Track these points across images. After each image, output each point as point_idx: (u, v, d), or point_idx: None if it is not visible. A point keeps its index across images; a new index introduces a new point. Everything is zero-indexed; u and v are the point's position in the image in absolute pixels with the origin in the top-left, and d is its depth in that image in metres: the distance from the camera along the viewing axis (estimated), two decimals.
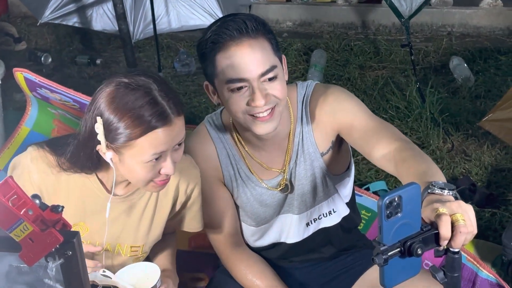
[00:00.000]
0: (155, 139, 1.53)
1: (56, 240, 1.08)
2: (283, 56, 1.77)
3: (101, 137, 1.54)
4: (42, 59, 5.12)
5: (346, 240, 2.09)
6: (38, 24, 4.58)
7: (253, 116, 1.69)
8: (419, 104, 4.19)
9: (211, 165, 1.90)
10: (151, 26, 4.88)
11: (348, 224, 2.06)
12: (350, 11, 5.96)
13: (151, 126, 1.52)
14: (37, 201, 1.12)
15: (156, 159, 1.57)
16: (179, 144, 1.62)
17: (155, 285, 1.68)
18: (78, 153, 1.64)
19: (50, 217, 1.11)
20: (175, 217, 1.92)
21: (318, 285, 2.06)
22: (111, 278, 1.65)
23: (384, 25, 5.87)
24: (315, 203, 1.95)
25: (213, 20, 5.65)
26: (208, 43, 1.68)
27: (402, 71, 4.93)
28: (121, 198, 1.77)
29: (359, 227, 2.22)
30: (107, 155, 1.57)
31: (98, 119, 1.53)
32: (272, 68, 1.67)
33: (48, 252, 1.09)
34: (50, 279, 1.11)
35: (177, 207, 1.88)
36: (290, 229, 1.99)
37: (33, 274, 1.14)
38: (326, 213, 1.98)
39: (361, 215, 2.32)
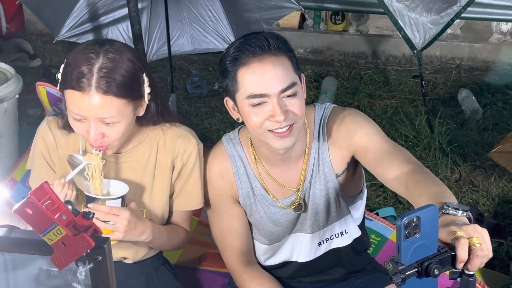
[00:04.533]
0: (72, 98, 1.74)
1: (88, 245, 1.11)
2: (302, 75, 1.81)
3: (59, 75, 1.79)
4: (57, 75, 5.18)
5: (356, 263, 2.11)
6: (54, 41, 4.64)
7: (272, 131, 1.73)
8: (428, 134, 4.23)
9: (226, 182, 1.94)
10: (165, 47, 4.93)
11: (359, 246, 2.09)
12: (361, 41, 6.03)
13: (71, 84, 1.72)
14: (70, 207, 1.15)
15: (80, 120, 1.76)
16: (109, 123, 1.76)
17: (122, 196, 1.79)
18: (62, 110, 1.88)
19: (81, 223, 1.15)
20: (175, 192, 2.00)
21: None
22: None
23: (394, 56, 5.94)
24: (328, 223, 1.97)
25: (226, 45, 5.68)
26: (230, 58, 1.73)
27: (411, 101, 4.97)
28: (121, 155, 1.93)
29: (368, 251, 2.24)
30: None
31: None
32: (293, 85, 1.71)
33: (79, 256, 1.12)
34: (79, 283, 1.14)
35: (175, 174, 1.97)
36: (302, 248, 2.01)
37: (62, 278, 1.16)
38: (338, 234, 2.01)
39: (371, 239, 2.34)
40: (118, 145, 1.85)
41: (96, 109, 1.73)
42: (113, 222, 1.74)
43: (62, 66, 1.79)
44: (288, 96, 1.71)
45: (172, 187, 1.99)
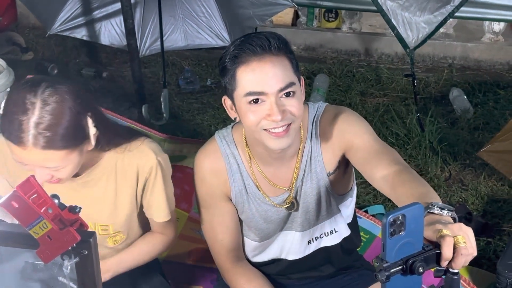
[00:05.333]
0: (12, 150, 1.65)
1: (74, 239, 1.12)
2: (302, 78, 1.80)
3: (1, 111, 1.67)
4: (49, 69, 5.18)
5: (345, 261, 2.12)
6: (46, 35, 4.63)
7: (268, 131, 1.72)
8: (418, 133, 4.25)
9: (219, 179, 1.93)
10: (158, 42, 4.93)
11: (348, 245, 2.09)
12: (354, 39, 6.04)
13: (9, 137, 1.63)
14: (56, 201, 1.16)
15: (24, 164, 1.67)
16: (55, 170, 1.69)
17: None
18: None
19: (68, 217, 1.15)
20: (145, 205, 1.98)
21: None
22: None
23: (386, 54, 5.95)
24: (318, 222, 1.98)
25: (219, 41, 5.63)
26: (230, 56, 1.72)
27: (402, 100, 4.99)
28: (79, 178, 1.88)
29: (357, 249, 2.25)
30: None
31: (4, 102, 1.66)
32: (291, 84, 1.70)
33: (65, 250, 1.13)
34: (65, 277, 1.15)
35: (140, 189, 1.94)
36: (292, 246, 2.02)
37: (48, 271, 1.17)
38: (327, 232, 2.02)
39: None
40: (71, 175, 1.78)
41: (36, 162, 1.66)
42: None
43: (3, 105, 1.67)
44: (286, 96, 1.71)
45: (141, 200, 1.98)
